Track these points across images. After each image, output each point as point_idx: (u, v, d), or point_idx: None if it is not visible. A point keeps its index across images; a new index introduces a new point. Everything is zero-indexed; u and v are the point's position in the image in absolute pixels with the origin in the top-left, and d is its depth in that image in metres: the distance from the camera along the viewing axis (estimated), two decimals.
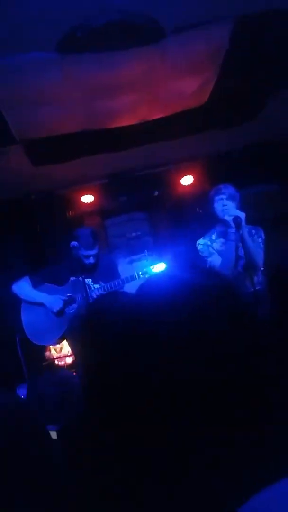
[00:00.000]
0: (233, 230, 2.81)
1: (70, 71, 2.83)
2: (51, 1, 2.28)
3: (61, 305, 3.33)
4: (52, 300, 3.35)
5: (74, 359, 3.81)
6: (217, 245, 3.04)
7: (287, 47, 3.00)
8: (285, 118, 4.14)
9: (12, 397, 1.23)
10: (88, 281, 3.32)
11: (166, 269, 3.34)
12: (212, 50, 2.86)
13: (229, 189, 3.03)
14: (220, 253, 3.00)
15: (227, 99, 3.57)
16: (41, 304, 3.37)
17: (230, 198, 3.00)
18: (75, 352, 2.67)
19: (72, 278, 3.42)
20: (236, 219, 2.79)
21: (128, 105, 3.36)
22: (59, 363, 4.17)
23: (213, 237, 3.09)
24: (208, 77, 3.18)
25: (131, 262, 5.03)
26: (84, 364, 1.08)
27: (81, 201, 4.87)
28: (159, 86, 3.18)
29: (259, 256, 2.93)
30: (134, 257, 5.12)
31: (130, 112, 3.49)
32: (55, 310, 3.33)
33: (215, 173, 4.61)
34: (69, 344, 3.55)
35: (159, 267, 3.49)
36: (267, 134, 4.58)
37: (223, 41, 2.81)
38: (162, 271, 3.29)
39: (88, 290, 3.17)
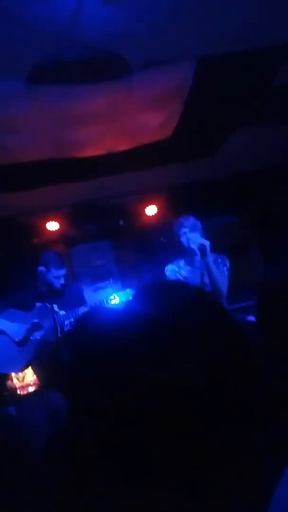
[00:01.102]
0: (199, 258, 2.90)
1: (38, 102, 2.89)
2: (22, 33, 2.36)
3: (23, 334, 3.28)
4: (14, 328, 3.29)
5: (37, 387, 3.73)
6: (184, 272, 3.12)
7: (247, 85, 3.19)
8: (245, 153, 4.34)
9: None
10: (55, 306, 3.30)
11: (130, 296, 3.37)
12: (177, 86, 2.99)
13: (190, 221, 3.14)
14: (186, 279, 3.07)
15: (190, 134, 3.72)
16: (3, 332, 3.31)
17: (193, 229, 3.11)
18: (42, 378, 2.63)
19: (38, 304, 3.39)
20: (201, 247, 2.88)
21: (95, 137, 3.45)
22: (22, 392, 4.05)
23: (181, 264, 3.18)
24: (173, 112, 3.31)
25: (96, 290, 5.04)
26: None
27: (46, 228, 4.87)
28: (125, 119, 3.28)
29: (224, 284, 3.02)
30: (99, 285, 5.13)
31: (97, 143, 3.57)
32: (17, 339, 3.27)
33: (178, 204, 4.75)
34: (35, 371, 3.48)
35: (124, 295, 3.51)
36: (228, 167, 4.76)
37: (187, 78, 2.95)
38: (126, 300, 3.31)
39: (55, 316, 3.15)
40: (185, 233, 3.09)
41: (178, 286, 0.91)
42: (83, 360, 1.09)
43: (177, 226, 3.15)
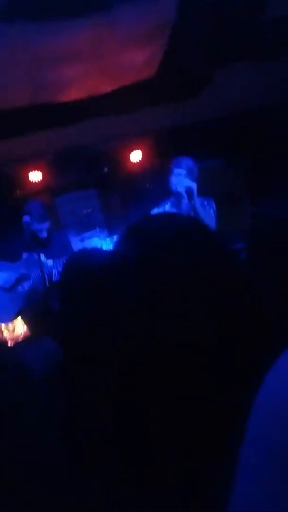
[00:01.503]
0: (186, 200, 2.87)
1: (14, 40, 2.72)
2: None
3: (12, 282, 3.27)
4: (3, 276, 3.28)
5: (26, 337, 3.76)
6: None
7: (233, 20, 3.04)
8: (233, 91, 4.20)
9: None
10: (42, 256, 3.27)
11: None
12: (160, 21, 2.85)
13: (189, 163, 3.08)
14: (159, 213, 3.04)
15: (175, 73, 3.58)
16: None
17: (189, 172, 3.05)
18: (32, 328, 2.64)
19: (25, 255, 3.36)
20: (189, 190, 2.84)
21: (75, 77, 3.30)
22: (12, 344, 4.09)
23: (167, 207, 3.14)
24: (156, 49, 3.17)
25: (82, 239, 5.00)
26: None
27: (29, 179, 4.75)
28: (106, 57, 3.14)
29: (211, 225, 3.00)
30: (85, 234, 5.09)
31: (78, 84, 3.42)
32: (7, 286, 3.27)
33: (164, 149, 4.64)
34: (24, 321, 3.50)
35: (112, 243, 3.48)
36: (215, 108, 4.63)
37: (170, 12, 2.80)
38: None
39: (42, 265, 3.12)
40: (179, 174, 3.02)
41: (165, 220, 0.88)
42: (74, 303, 1.08)
43: (175, 164, 3.08)
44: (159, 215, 0.99)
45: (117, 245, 0.83)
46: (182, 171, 3.02)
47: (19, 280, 3.30)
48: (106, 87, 3.53)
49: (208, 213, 2.99)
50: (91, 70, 3.22)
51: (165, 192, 3.17)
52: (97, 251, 0.97)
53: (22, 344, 2.91)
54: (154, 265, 0.71)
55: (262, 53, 3.61)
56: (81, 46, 2.93)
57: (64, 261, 1.04)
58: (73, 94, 3.54)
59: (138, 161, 4.94)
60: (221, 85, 3.95)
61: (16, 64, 2.97)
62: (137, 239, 0.78)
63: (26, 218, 3.32)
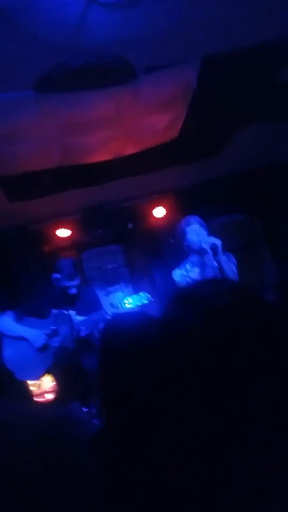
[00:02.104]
0: (211, 257, 2.89)
1: (46, 110, 2.93)
2: (28, 42, 2.40)
3: (44, 340, 3.30)
4: (35, 334, 3.31)
5: (55, 394, 3.75)
6: (193, 274, 3.10)
7: (251, 83, 3.20)
8: (250, 150, 4.35)
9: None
10: (71, 313, 3.32)
11: (145, 301, 3.37)
12: (182, 88, 3.02)
13: (198, 220, 3.15)
14: (206, 279, 3.06)
15: (196, 134, 3.74)
16: (23, 339, 3.33)
17: (201, 227, 3.11)
18: (60, 384, 2.64)
19: (54, 311, 3.41)
20: (213, 246, 2.87)
21: (102, 142, 3.48)
22: (39, 399, 4.08)
23: (188, 267, 3.16)
24: (178, 114, 3.34)
25: (107, 294, 5.06)
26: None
27: (57, 235, 4.91)
28: (131, 123, 3.31)
29: (235, 280, 3.01)
30: (110, 288, 5.15)
31: (104, 148, 3.60)
32: (37, 345, 3.29)
33: (186, 205, 4.76)
34: (54, 377, 3.50)
35: (138, 299, 3.51)
36: (234, 166, 4.77)
37: (192, 79, 2.98)
38: (142, 304, 3.32)
39: (72, 322, 3.17)
40: (194, 230, 3.09)
41: (214, 287, 0.90)
42: (116, 369, 1.09)
43: (185, 223, 3.15)
44: (206, 282, 1.01)
45: (166, 310, 0.85)
46: (195, 227, 3.08)
47: (49, 337, 3.33)
48: (131, 150, 3.69)
49: (229, 268, 3.01)
50: (116, 134, 3.39)
51: (187, 246, 3.22)
52: (139, 315, 1.00)
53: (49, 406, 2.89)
54: (212, 333, 0.73)
55: (277, 112, 3.76)
56: (107, 113, 3.11)
57: (106, 324, 1.06)
58: (99, 156, 3.71)
59: (161, 216, 5.07)
60: (239, 143, 4.10)
61: (47, 130, 3.16)
62: (191, 306, 0.81)
63: (57, 275, 3.40)
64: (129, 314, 1.25)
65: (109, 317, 3.30)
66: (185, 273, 3.15)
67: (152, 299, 3.42)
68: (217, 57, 2.82)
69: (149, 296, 3.40)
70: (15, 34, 2.31)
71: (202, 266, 2.98)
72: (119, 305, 3.41)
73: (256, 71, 3.09)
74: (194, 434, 0.73)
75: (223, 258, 2.93)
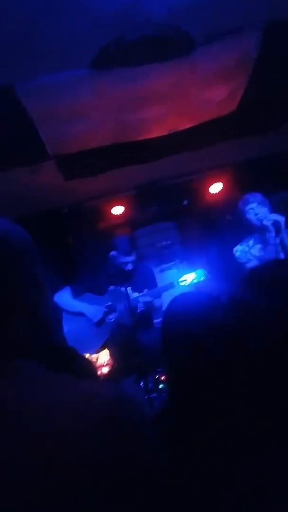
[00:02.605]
0: (273, 234, 2.81)
1: (102, 87, 2.90)
2: (83, 18, 2.37)
3: (101, 315, 3.38)
4: (93, 310, 3.40)
5: (111, 368, 3.84)
6: (255, 251, 3.05)
7: None
8: None
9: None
10: (128, 289, 3.36)
11: (202, 278, 3.35)
12: (241, 58, 2.89)
13: (257, 197, 3.05)
14: (259, 258, 3.00)
15: (255, 107, 3.59)
16: (81, 314, 3.43)
17: (260, 205, 3.02)
18: (117, 359, 2.70)
19: (111, 287, 3.48)
20: (276, 223, 2.80)
21: (157, 117, 3.42)
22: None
23: (250, 243, 3.10)
24: (237, 85, 3.21)
25: (162, 271, 5.06)
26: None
27: (111, 213, 4.94)
28: (188, 96, 3.22)
29: None
30: (164, 265, 5.15)
31: (159, 123, 3.54)
32: (96, 320, 3.38)
33: (244, 180, 4.63)
34: (110, 352, 3.58)
35: (192, 276, 3.49)
36: None
37: (251, 49, 2.84)
38: (200, 281, 3.30)
39: (129, 298, 3.21)
40: (252, 208, 3.01)
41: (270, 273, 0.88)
42: (178, 347, 1.09)
43: (243, 202, 3.07)
44: (276, 262, 0.98)
45: (233, 290, 0.84)
46: (253, 206, 3.00)
47: (107, 313, 3.40)
48: (187, 124, 3.61)
49: None
50: (173, 109, 3.32)
51: (248, 224, 3.16)
52: (204, 295, 0.97)
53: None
54: (281, 315, 0.71)
55: None
56: (163, 88, 3.04)
57: (168, 305, 1.05)
58: (154, 132, 3.66)
59: (217, 192, 4.96)
60: None
61: (103, 107, 3.15)
62: (261, 287, 0.79)
63: (114, 253, 3.45)
64: (193, 294, 1.22)
65: (163, 295, 3.32)
66: (246, 249, 3.10)
67: (210, 275, 3.39)
68: (279, 25, 2.67)
69: (206, 272, 3.37)
70: (70, 11, 2.29)
71: (264, 243, 2.91)
72: (175, 281, 3.41)
73: None
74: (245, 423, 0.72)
75: (286, 236, 2.84)
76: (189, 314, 1.08)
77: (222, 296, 0.89)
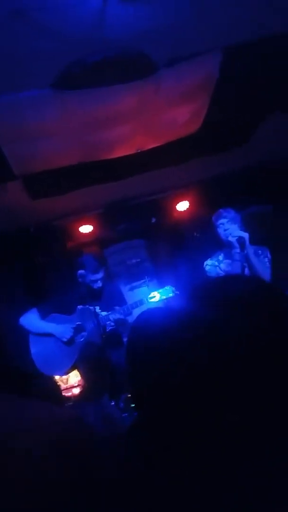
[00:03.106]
0: (238, 250, 2.87)
1: (66, 106, 2.92)
2: (47, 40, 2.39)
3: (71, 334, 3.34)
4: (61, 329, 3.36)
5: (82, 389, 3.78)
6: (224, 265, 3.09)
7: (273, 71, 3.13)
8: (273, 141, 4.26)
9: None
10: (96, 308, 3.34)
11: (171, 294, 3.37)
12: (203, 79, 2.97)
13: (230, 213, 3.12)
14: (226, 273, 3.05)
15: (218, 126, 3.68)
16: (50, 335, 3.38)
17: (231, 221, 3.08)
18: (87, 379, 2.67)
19: (79, 307, 3.45)
20: (240, 240, 2.85)
21: (124, 136, 3.45)
22: (66, 394, 4.12)
23: (220, 258, 3.16)
24: (200, 106, 3.28)
25: (132, 289, 5.06)
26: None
27: (80, 232, 4.93)
28: (153, 116, 3.27)
29: (266, 275, 2.98)
30: (134, 283, 5.15)
31: (126, 143, 3.58)
32: (65, 339, 3.34)
33: (209, 198, 4.71)
34: (80, 372, 3.53)
35: (163, 293, 3.51)
36: (258, 157, 4.69)
37: (213, 71, 2.92)
38: (168, 297, 3.32)
39: (98, 317, 3.19)
40: (223, 223, 3.06)
41: (228, 282, 0.90)
42: (143, 365, 1.09)
43: (216, 216, 3.13)
44: (223, 277, 1.00)
45: (184, 304, 0.86)
46: (224, 221, 3.06)
47: (75, 333, 3.37)
48: (153, 144, 3.66)
49: (262, 262, 2.98)
50: (138, 129, 3.36)
51: (217, 239, 3.21)
52: (166, 311, 0.98)
53: (81, 403, 2.92)
54: (225, 327, 0.73)
55: None
56: (128, 108, 3.09)
57: (134, 320, 1.06)
58: (121, 151, 3.69)
59: (184, 210, 5.03)
60: (263, 135, 4.02)
61: (68, 127, 3.16)
62: (206, 300, 0.80)
63: (81, 272, 3.43)
64: (156, 310, 1.23)
65: (133, 312, 3.32)
66: (216, 264, 3.14)
67: (177, 292, 3.41)
68: (239, 46, 2.76)
69: (174, 289, 3.39)
70: (35, 31, 2.31)
71: (232, 259, 2.97)
72: (144, 299, 3.42)
73: (279, 60, 3.01)
74: (214, 433, 0.73)
75: (252, 252, 2.90)
76: (151, 330, 1.09)
77: (181, 311, 0.90)
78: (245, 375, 0.71)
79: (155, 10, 2.37)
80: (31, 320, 3.44)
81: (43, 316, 3.44)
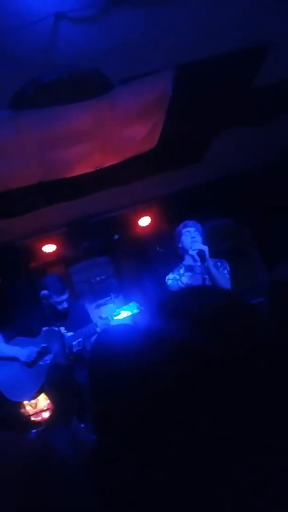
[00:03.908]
0: (198, 263, 2.90)
1: (22, 127, 2.91)
2: (1, 61, 2.39)
3: (35, 355, 3.27)
4: (25, 352, 3.28)
5: (51, 412, 3.69)
6: (185, 279, 3.12)
7: (225, 88, 3.22)
8: (228, 156, 4.37)
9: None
10: (62, 329, 3.28)
11: (136, 311, 3.36)
12: (158, 97, 3.02)
13: (196, 225, 3.17)
14: (188, 286, 3.07)
15: (175, 142, 3.74)
16: (14, 359, 3.29)
17: (198, 231, 3.13)
18: (55, 402, 2.61)
19: (44, 328, 3.38)
20: (200, 253, 2.88)
21: (82, 155, 3.46)
22: (36, 419, 4.02)
23: (181, 271, 3.18)
24: (156, 123, 3.34)
25: (98, 306, 5.03)
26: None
27: (43, 251, 4.87)
28: (110, 134, 3.30)
29: (226, 286, 3.02)
30: (100, 301, 5.12)
31: (84, 161, 3.59)
32: (29, 361, 3.25)
33: (171, 212, 4.77)
34: (48, 395, 3.46)
35: (128, 310, 3.49)
36: (216, 171, 4.79)
37: (167, 88, 2.98)
38: (133, 313, 3.31)
39: (63, 338, 3.13)
40: (189, 232, 3.10)
41: (194, 294, 0.90)
42: (105, 383, 1.08)
43: (183, 225, 3.17)
44: (186, 289, 1.00)
45: (149, 319, 0.85)
46: (191, 230, 3.10)
47: (41, 355, 3.29)
48: (111, 161, 3.69)
49: (222, 274, 3.02)
50: (95, 146, 3.38)
51: (178, 252, 3.25)
52: (126, 328, 0.98)
53: (50, 427, 2.85)
54: (194, 340, 0.73)
55: (257, 116, 3.78)
56: (84, 126, 3.10)
57: (95, 339, 1.05)
58: (79, 169, 3.70)
59: (146, 225, 5.06)
60: (220, 149, 4.11)
61: (25, 147, 3.14)
62: (169, 315, 0.80)
63: (45, 292, 3.37)
64: (117, 327, 1.23)
65: (99, 330, 3.29)
66: (177, 277, 3.16)
67: (142, 308, 3.40)
68: (191, 65, 2.83)
69: (138, 305, 3.39)
70: None
71: (193, 272, 2.99)
72: (109, 317, 3.39)
73: (230, 77, 3.11)
74: (189, 443, 0.72)
75: (212, 264, 2.93)
76: (111, 347, 1.08)
77: (145, 326, 0.90)
78: (218, 385, 0.71)
79: (106, 29, 2.41)
80: None
81: (7, 339, 3.36)
